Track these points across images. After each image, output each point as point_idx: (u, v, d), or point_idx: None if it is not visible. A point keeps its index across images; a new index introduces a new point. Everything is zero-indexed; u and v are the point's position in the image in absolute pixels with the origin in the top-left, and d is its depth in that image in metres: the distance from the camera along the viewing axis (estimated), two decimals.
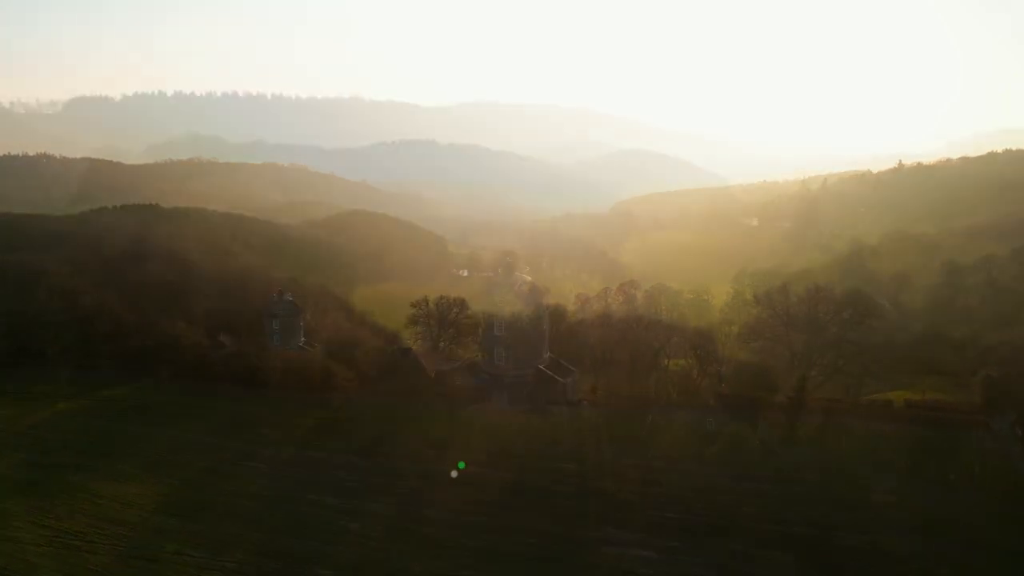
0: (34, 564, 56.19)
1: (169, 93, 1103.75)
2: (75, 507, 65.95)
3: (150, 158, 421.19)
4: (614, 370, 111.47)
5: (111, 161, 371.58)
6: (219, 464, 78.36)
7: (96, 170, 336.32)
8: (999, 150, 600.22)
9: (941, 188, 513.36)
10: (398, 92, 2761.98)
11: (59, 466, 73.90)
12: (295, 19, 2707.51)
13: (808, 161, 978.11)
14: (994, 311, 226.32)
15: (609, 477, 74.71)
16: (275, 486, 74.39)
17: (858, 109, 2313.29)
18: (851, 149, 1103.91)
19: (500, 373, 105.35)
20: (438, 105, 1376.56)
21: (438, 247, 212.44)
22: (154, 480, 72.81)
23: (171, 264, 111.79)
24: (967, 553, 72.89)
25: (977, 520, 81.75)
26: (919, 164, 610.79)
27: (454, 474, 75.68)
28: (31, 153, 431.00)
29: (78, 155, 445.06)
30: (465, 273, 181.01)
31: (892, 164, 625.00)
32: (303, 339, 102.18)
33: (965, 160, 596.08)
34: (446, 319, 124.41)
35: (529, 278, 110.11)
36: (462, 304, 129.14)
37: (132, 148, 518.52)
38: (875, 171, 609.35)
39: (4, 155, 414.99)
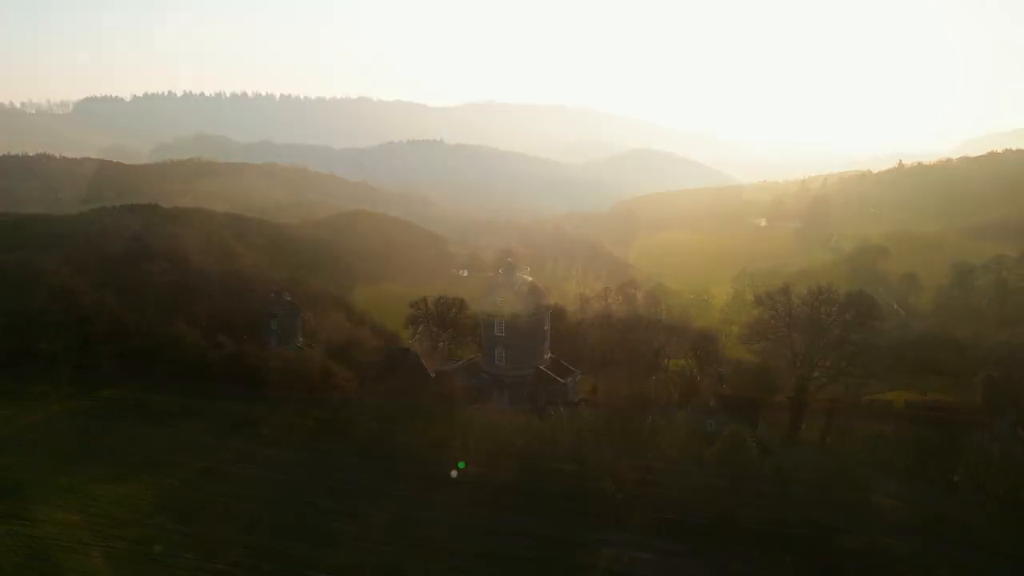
0: (24, 566, 56.30)
1: (179, 93, 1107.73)
2: (71, 508, 66.01)
3: (158, 158, 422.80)
4: (614, 370, 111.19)
5: (118, 162, 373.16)
6: (217, 464, 78.33)
7: (104, 170, 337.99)
8: (999, 150, 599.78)
9: (947, 187, 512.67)
10: (406, 92, 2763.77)
11: (57, 466, 73.98)
12: (305, 20, 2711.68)
13: (819, 160, 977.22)
14: (1002, 312, 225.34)
15: (608, 478, 74.46)
16: (273, 487, 74.37)
17: (868, 109, 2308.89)
18: (859, 149, 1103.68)
19: (500, 373, 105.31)
20: (446, 105, 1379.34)
21: (439, 247, 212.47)
22: (152, 480, 72.78)
23: (172, 264, 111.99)
24: (968, 555, 72.36)
25: (978, 522, 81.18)
26: (919, 164, 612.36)
27: (454, 474, 75.54)
28: (42, 153, 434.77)
29: (88, 155, 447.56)
30: (465, 273, 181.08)
31: (901, 163, 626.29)
32: (301, 339, 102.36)
33: (966, 160, 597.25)
34: (445, 319, 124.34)
35: (529, 278, 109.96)
36: (461, 304, 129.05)
37: (141, 148, 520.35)
38: (875, 171, 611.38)
39: (15, 155, 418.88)
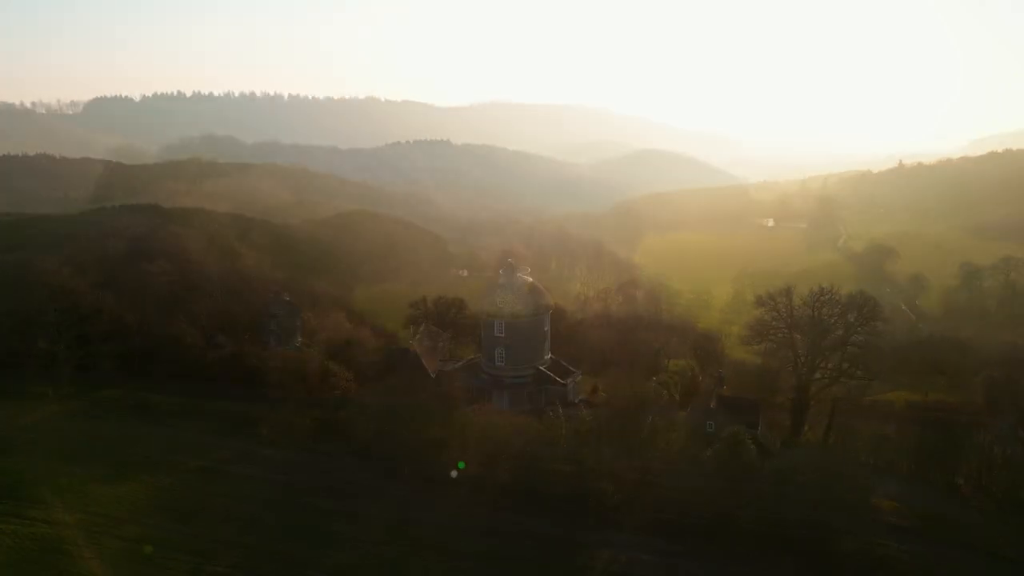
0: (23, 565, 56.55)
1: (188, 94, 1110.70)
2: (70, 507, 66.22)
3: (164, 159, 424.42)
4: (615, 371, 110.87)
5: (126, 163, 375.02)
6: (217, 464, 78.44)
7: (112, 171, 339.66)
8: (999, 150, 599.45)
9: (951, 187, 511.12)
10: (415, 92, 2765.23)
11: (57, 466, 74.20)
12: (314, 21, 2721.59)
13: (826, 160, 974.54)
14: (1011, 313, 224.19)
15: (606, 479, 74.30)
16: (272, 487, 74.34)
17: (875, 109, 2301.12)
18: (865, 148, 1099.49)
19: (500, 374, 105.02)
20: (454, 105, 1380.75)
21: (440, 247, 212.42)
22: (151, 480, 72.92)
23: (172, 264, 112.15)
24: (967, 557, 71.87)
25: (978, 523, 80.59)
26: (920, 164, 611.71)
27: (454, 474, 75.46)
28: (43, 153, 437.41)
29: (97, 155, 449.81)
30: (465, 273, 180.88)
31: (901, 163, 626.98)
32: (300, 339, 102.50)
33: (966, 160, 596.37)
34: (445, 319, 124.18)
35: (529, 279, 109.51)
36: (460, 304, 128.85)
37: (149, 148, 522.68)
38: (876, 171, 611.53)
39: (25, 155, 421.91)
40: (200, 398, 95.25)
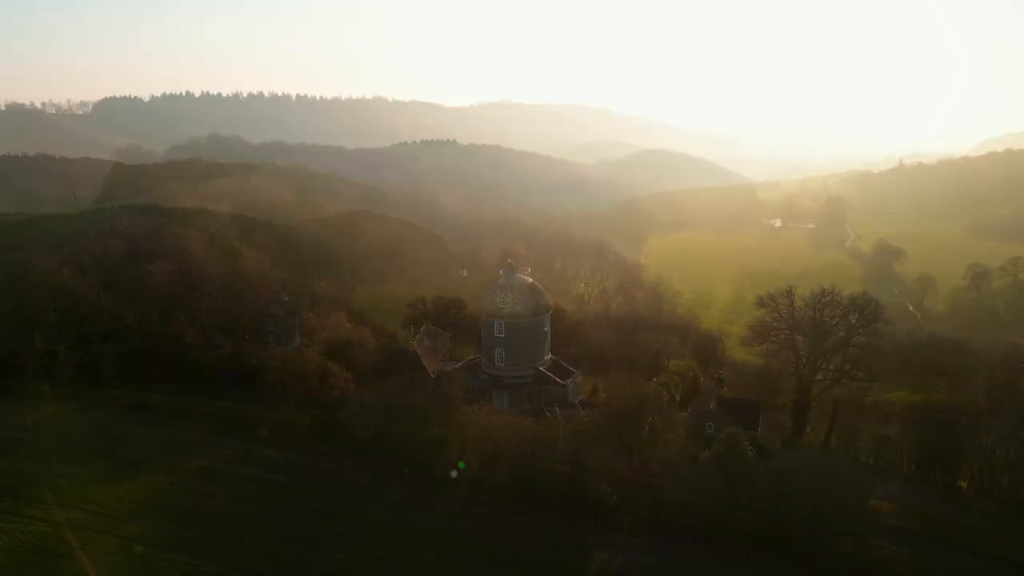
0: (21, 563, 56.70)
1: (196, 93, 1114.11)
2: (68, 506, 66.36)
3: (170, 159, 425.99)
4: (616, 371, 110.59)
5: (131, 163, 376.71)
6: (215, 464, 78.44)
7: (119, 171, 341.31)
8: (999, 149, 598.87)
9: (956, 186, 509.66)
10: (422, 93, 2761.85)
11: (56, 465, 74.35)
12: (324, 21, 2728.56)
13: (833, 160, 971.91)
14: (1019, 313, 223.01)
15: (604, 480, 74.23)
16: (271, 487, 74.39)
17: (882, 108, 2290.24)
18: (871, 148, 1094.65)
19: (500, 374, 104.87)
20: (461, 105, 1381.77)
21: (441, 247, 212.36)
22: (150, 480, 72.89)
23: (173, 264, 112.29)
24: (966, 560, 71.49)
25: (979, 526, 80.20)
26: (920, 164, 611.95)
27: (454, 474, 75.45)
28: (62, 154, 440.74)
29: (106, 155, 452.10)
30: (465, 273, 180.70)
31: (902, 163, 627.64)
32: (299, 339, 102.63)
33: (967, 160, 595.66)
34: (444, 319, 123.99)
35: (529, 279, 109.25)
36: (460, 304, 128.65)
37: (156, 149, 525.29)
38: (876, 171, 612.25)
39: (35, 155, 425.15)
40: (200, 398, 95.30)
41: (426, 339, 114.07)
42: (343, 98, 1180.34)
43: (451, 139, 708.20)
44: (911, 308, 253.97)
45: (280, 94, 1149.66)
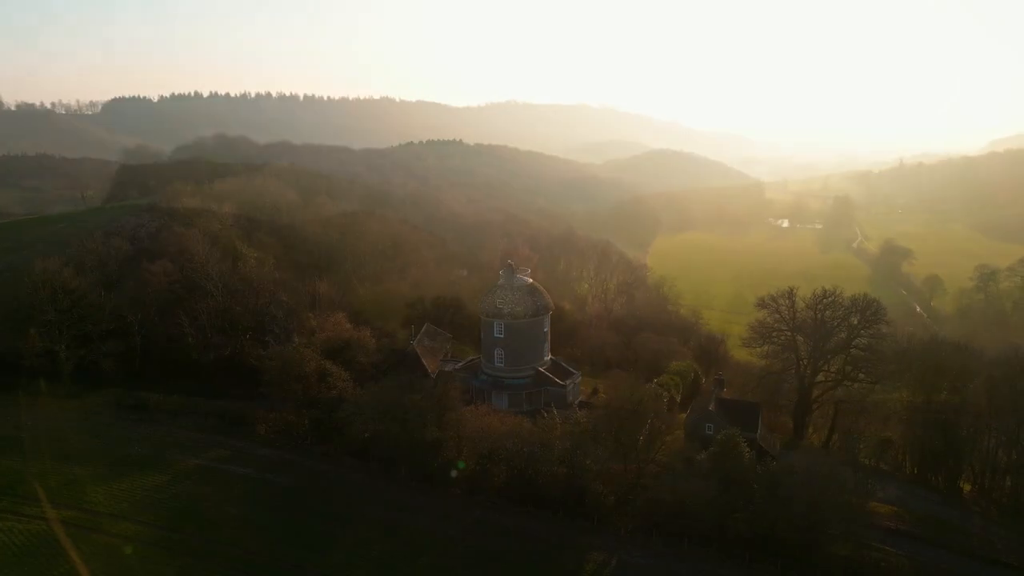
0: (19, 560, 56.93)
1: (205, 94, 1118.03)
2: (66, 505, 66.60)
3: (176, 159, 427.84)
4: (616, 372, 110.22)
5: (141, 163, 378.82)
6: (213, 463, 78.71)
7: (127, 171, 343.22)
8: (1000, 150, 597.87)
9: (959, 186, 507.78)
10: (429, 93, 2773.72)
11: (55, 464, 74.67)
12: (332, 22, 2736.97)
13: (842, 160, 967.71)
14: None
15: (600, 481, 74.18)
16: (268, 487, 74.49)
17: (889, 108, 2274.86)
18: (878, 148, 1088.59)
19: (499, 375, 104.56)
20: (468, 105, 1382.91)
21: (442, 248, 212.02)
22: (147, 479, 73.16)
23: (174, 264, 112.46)
24: (964, 563, 71.05)
25: (978, 528, 79.67)
26: (920, 164, 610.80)
27: (454, 474, 75.43)
28: (67, 154, 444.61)
29: (114, 156, 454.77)
30: (465, 273, 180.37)
31: (902, 163, 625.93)
32: (297, 339, 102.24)
33: (967, 159, 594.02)
34: (442, 320, 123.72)
35: (529, 280, 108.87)
36: (458, 304, 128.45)
37: (164, 149, 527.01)
38: (876, 171, 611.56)
39: (44, 155, 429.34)
40: (198, 397, 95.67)
41: (426, 339, 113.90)
42: (350, 98, 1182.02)
43: (458, 139, 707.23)
44: (919, 309, 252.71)
45: (288, 94, 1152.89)
